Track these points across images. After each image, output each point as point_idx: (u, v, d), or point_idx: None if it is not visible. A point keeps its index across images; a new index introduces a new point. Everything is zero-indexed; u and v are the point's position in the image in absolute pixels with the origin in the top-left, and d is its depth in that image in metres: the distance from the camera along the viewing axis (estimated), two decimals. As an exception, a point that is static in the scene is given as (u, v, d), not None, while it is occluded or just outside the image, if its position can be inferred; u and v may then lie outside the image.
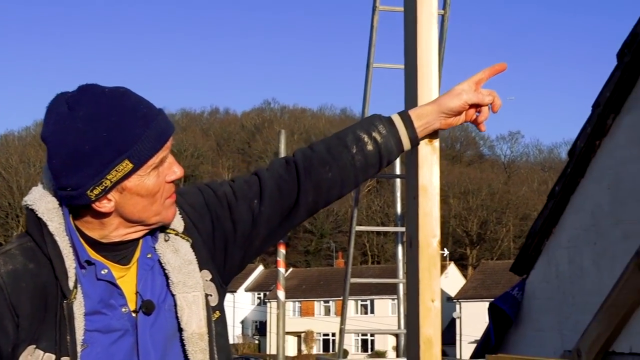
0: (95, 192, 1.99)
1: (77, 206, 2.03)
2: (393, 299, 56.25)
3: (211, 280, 2.17)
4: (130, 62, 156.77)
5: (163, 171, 2.07)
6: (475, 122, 2.38)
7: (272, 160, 2.32)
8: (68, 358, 1.97)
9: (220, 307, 2.19)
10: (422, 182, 2.47)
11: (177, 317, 2.09)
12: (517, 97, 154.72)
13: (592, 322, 6.75)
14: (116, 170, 1.98)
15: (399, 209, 9.44)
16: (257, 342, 76.51)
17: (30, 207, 2.05)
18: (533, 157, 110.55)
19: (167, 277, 2.11)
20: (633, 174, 6.54)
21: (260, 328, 76.26)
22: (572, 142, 7.43)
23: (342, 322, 8.43)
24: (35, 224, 2.04)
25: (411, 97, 2.54)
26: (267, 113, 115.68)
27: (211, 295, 2.15)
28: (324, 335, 71.06)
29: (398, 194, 9.37)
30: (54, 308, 1.99)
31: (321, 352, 69.41)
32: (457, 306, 59.88)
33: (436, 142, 2.46)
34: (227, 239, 2.22)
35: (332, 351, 67.32)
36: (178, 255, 2.13)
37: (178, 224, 2.17)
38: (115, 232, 2.07)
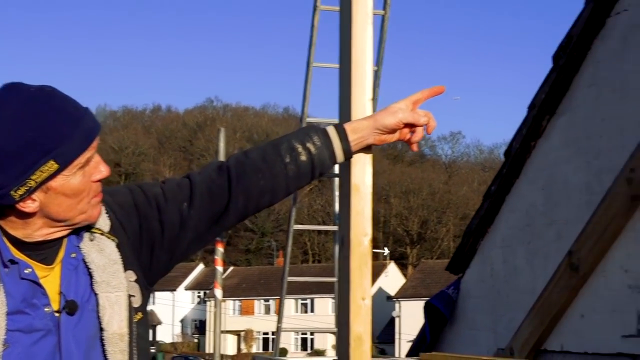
0: (20, 192, 1.98)
1: (0, 206, 2.01)
2: (333, 298, 56.40)
3: (135, 281, 2.16)
4: (70, 59, 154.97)
5: (89, 170, 2.05)
6: (409, 142, 2.40)
7: (206, 165, 2.32)
8: None
9: (143, 308, 2.18)
10: (355, 181, 2.48)
11: (99, 317, 2.08)
12: (452, 99, 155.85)
13: (524, 321, 6.84)
14: (41, 171, 1.97)
15: (337, 208, 9.49)
16: (196, 341, 76.14)
17: None
18: (474, 157, 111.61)
19: (91, 276, 2.10)
20: (566, 175, 6.64)
21: (200, 327, 75.92)
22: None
23: (280, 321, 8.45)
24: None
25: (345, 97, 2.55)
26: (210, 111, 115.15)
27: (134, 296, 2.14)
28: (264, 334, 71.02)
29: (337, 193, 9.41)
30: None
31: (261, 350, 69.31)
32: (397, 305, 60.27)
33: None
34: (154, 241, 2.21)
35: (272, 350, 67.22)
36: (103, 255, 2.11)
37: (104, 223, 2.15)
38: (39, 231, 2.05)
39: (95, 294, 2.08)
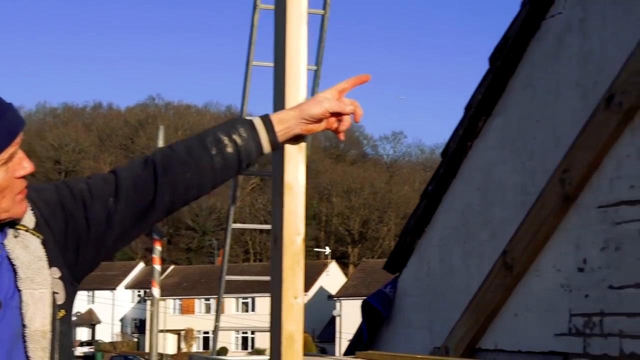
0: None
1: None
2: (274, 297, 56.22)
3: (60, 278, 2.14)
4: (7, 54, 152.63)
5: (12, 167, 2.03)
6: (336, 131, 2.41)
7: (132, 159, 2.30)
8: None
9: (67, 306, 2.16)
10: (288, 180, 2.48)
11: (22, 314, 2.06)
12: (397, 98, 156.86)
13: (460, 320, 6.91)
14: None
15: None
16: (136, 340, 75.54)
17: None
18: (415, 157, 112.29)
19: (15, 273, 2.07)
20: (501, 176, 6.72)
21: (140, 326, 75.31)
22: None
23: (217, 320, 8.42)
24: None
25: (279, 96, 2.55)
26: (152, 109, 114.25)
27: (58, 293, 2.13)
28: (205, 333, 70.65)
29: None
30: None
31: (201, 349, 68.98)
32: (338, 304, 60.36)
33: (302, 141, 2.49)
34: (80, 237, 2.19)
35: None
36: (27, 252, 2.09)
37: (29, 220, 2.13)
38: None
39: (19, 291, 2.06)
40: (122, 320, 78.43)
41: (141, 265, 79.70)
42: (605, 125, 5.64)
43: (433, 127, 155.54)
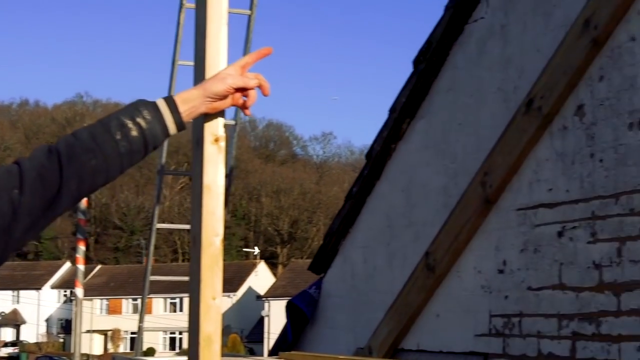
0: None
1: None
2: (202, 297, 55.92)
3: None
4: None
5: None
6: (243, 107, 2.42)
7: (36, 149, 2.26)
8: None
9: None
10: (207, 181, 2.48)
11: None
12: (330, 99, 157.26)
13: (383, 320, 6.97)
14: None
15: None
16: (62, 340, 74.55)
17: None
18: (345, 158, 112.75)
19: None
20: (424, 178, 6.78)
21: (66, 326, 74.32)
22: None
23: (141, 320, 8.36)
24: None
25: (200, 97, 2.57)
26: (79, 107, 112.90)
27: None
28: (132, 333, 69.94)
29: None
30: None
31: (128, 350, 68.30)
32: (266, 304, 60.31)
33: (222, 142, 2.48)
34: None
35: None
36: None
37: None
38: None
39: None
40: (47, 320, 77.34)
41: (67, 265, 78.64)
42: (525, 129, 5.74)
43: (362, 129, 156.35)
